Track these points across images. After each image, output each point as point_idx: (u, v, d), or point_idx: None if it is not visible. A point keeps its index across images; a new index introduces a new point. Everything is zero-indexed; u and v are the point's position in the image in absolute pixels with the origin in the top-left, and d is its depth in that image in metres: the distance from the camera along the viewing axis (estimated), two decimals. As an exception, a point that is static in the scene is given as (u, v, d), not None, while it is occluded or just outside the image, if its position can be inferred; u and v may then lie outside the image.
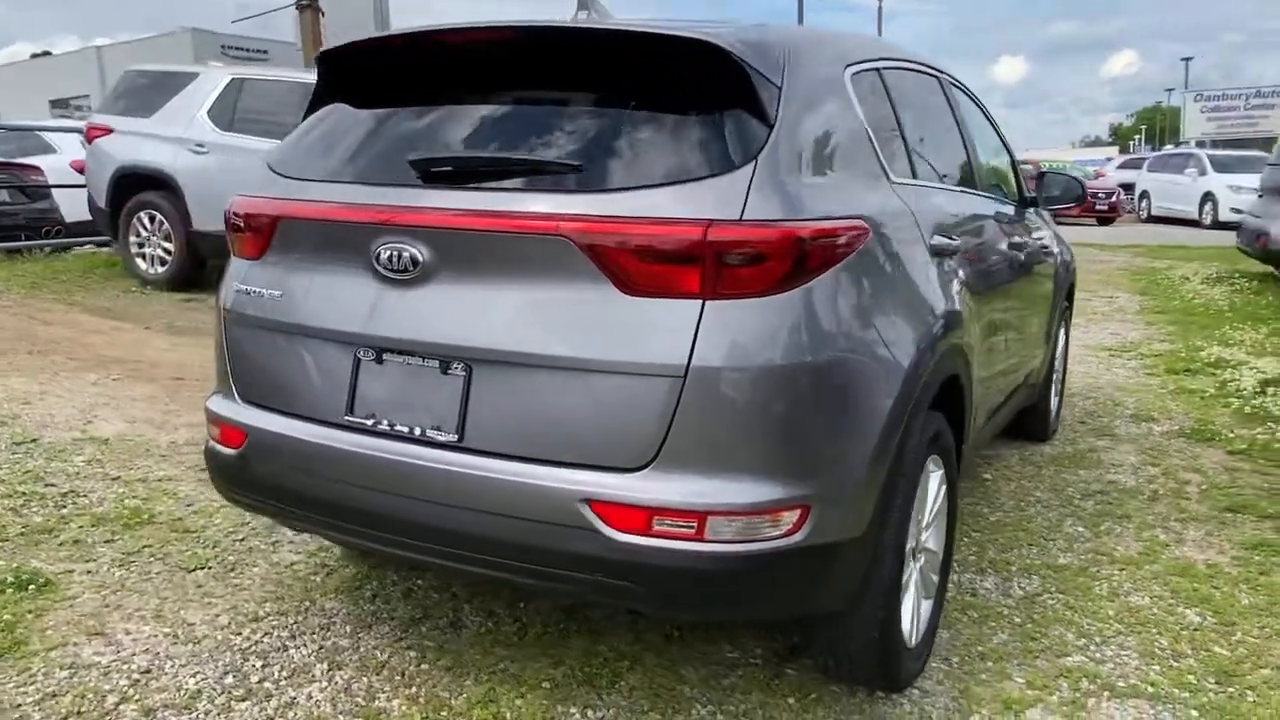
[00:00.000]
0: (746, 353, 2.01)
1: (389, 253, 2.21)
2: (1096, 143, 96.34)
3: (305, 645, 2.81)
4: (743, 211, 2.01)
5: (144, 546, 3.45)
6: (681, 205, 2.02)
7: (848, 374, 2.16)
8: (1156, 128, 74.76)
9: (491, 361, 2.15)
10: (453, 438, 2.18)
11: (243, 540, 3.54)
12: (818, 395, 2.09)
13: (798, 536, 2.07)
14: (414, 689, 2.61)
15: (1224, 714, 2.57)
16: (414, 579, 3.24)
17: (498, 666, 2.72)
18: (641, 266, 2.01)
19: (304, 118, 2.72)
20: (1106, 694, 2.66)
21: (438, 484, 2.19)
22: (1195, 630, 3.03)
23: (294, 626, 2.91)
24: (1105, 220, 22.88)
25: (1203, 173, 21.24)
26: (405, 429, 2.25)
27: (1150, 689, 2.68)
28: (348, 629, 2.91)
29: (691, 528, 2.01)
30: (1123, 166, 29.74)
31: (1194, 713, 2.58)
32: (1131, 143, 71.23)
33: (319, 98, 2.69)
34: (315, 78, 2.70)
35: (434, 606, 3.06)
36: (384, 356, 2.29)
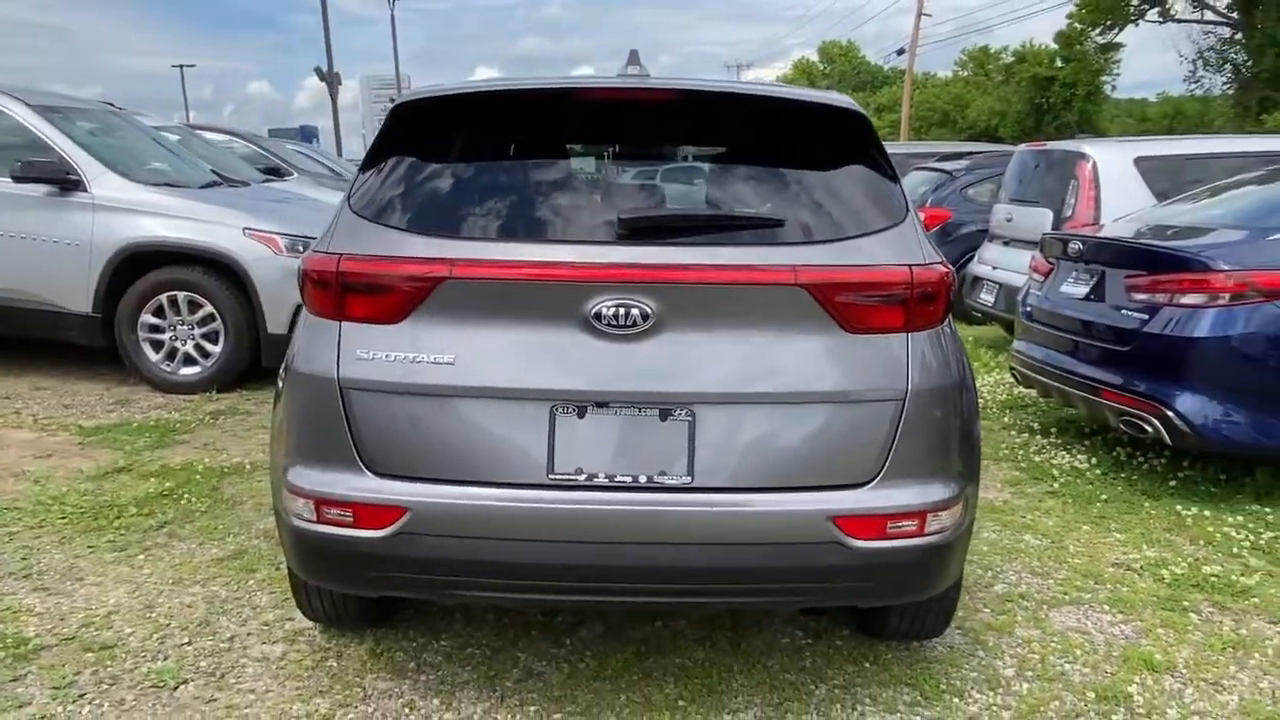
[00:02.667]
0: (938, 374, 2.41)
1: (613, 309, 2.24)
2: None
3: (416, 728, 2.63)
4: (924, 255, 2.41)
5: (74, 674, 2.87)
6: (889, 252, 2.36)
7: (973, 381, 2.66)
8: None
9: (719, 404, 2.30)
10: (686, 480, 2.29)
11: (188, 643, 3.08)
12: (970, 402, 2.56)
13: (965, 520, 2.52)
14: (563, 739, 2.61)
15: (1123, 603, 3.49)
16: (433, 640, 3.10)
17: (619, 700, 2.79)
18: (865, 308, 2.32)
19: (372, 162, 2.52)
20: (1046, 606, 3.47)
21: (673, 525, 2.29)
22: (1045, 550, 4.00)
23: (378, 716, 2.69)
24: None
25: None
26: (627, 478, 2.29)
27: (1066, 597, 3.54)
28: (435, 702, 2.76)
29: (915, 525, 2.37)
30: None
31: (1106, 605, 3.48)
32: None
33: (397, 143, 2.52)
34: None
35: (488, 662, 2.98)
36: (588, 411, 2.30)
